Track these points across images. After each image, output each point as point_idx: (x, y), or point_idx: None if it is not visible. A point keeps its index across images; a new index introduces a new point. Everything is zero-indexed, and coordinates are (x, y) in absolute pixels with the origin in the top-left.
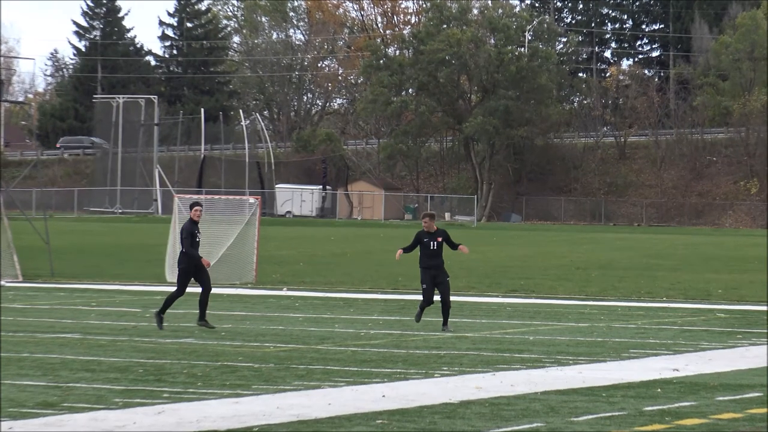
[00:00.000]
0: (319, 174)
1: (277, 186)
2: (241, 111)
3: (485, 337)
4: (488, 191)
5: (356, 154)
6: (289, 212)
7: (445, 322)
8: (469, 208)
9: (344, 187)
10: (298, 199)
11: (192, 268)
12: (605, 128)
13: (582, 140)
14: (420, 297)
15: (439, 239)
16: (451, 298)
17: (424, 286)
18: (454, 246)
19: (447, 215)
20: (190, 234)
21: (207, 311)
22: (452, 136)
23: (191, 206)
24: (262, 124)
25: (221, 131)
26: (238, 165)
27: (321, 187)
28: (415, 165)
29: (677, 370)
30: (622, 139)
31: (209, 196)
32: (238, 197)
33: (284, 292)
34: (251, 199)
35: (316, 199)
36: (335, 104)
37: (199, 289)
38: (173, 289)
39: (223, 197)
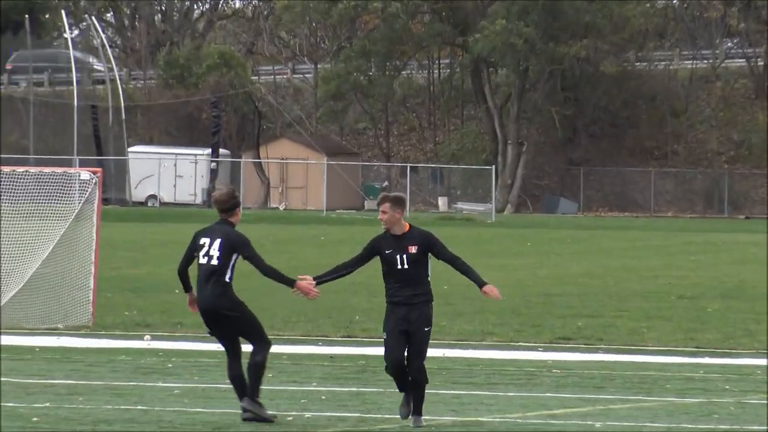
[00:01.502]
0: (207, 128)
1: (130, 150)
2: (63, 13)
3: (514, 423)
4: (517, 158)
5: (275, 90)
6: (153, 198)
7: (414, 409)
8: (483, 190)
9: (254, 152)
10: (169, 173)
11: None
12: (729, 42)
13: (687, 64)
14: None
15: (412, 249)
16: (451, 354)
17: (385, 336)
18: (457, 265)
19: (442, 202)
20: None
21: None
22: (451, 57)
23: (233, 204)
24: (103, 36)
25: (28, 47)
26: (59, 112)
27: (210, 151)
28: (384, 111)
29: None
30: (761, 63)
31: (7, 168)
32: (60, 170)
33: (146, 344)
34: (84, 174)
35: (201, 172)
36: (235, 1)
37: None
38: None
39: (33, 170)
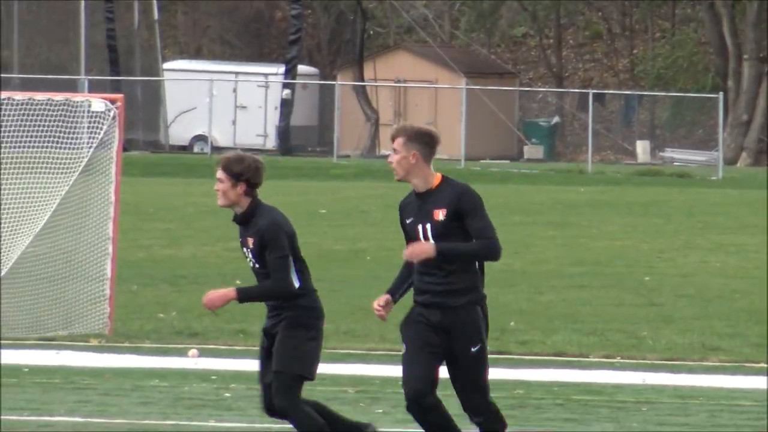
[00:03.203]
0: (282, 34)
1: (166, 68)
2: None
3: None
4: (757, 82)
5: None
6: (201, 140)
7: None
8: (705, 131)
9: (355, 71)
10: (225, 103)
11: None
12: None
13: None
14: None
15: (439, 215)
16: (656, 379)
17: (404, 349)
18: (476, 241)
19: (642, 148)
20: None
21: None
22: None
23: None
24: None
25: None
26: (58, 9)
27: (285, 69)
28: (554, 10)
29: None
30: None
31: None
32: (59, 97)
33: (192, 362)
34: (96, 104)
35: (275, 102)
36: None
37: None
38: None
39: (18, 96)
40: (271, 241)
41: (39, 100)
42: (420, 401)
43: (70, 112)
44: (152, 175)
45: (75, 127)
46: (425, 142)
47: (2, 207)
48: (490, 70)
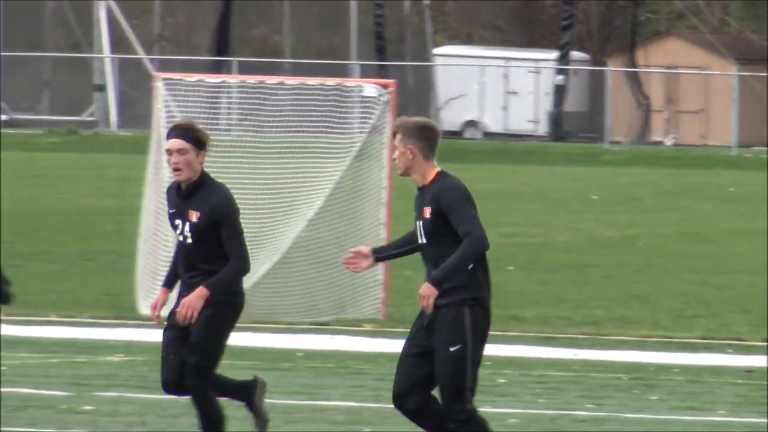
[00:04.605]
0: (554, 20)
1: (437, 53)
2: None
3: None
4: None
5: None
6: (471, 125)
7: None
8: None
9: (627, 57)
10: (496, 89)
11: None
12: None
13: None
14: None
15: (427, 212)
16: None
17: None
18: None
19: None
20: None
21: None
22: None
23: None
24: None
25: None
26: None
27: (559, 54)
28: None
29: None
30: None
31: (252, 79)
32: (331, 82)
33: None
34: (368, 89)
35: (546, 88)
36: None
37: None
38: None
39: (290, 81)
40: (227, 219)
41: (311, 85)
42: (398, 403)
43: (342, 97)
44: None
45: (346, 112)
46: (424, 136)
47: (274, 193)
48: (762, 57)
